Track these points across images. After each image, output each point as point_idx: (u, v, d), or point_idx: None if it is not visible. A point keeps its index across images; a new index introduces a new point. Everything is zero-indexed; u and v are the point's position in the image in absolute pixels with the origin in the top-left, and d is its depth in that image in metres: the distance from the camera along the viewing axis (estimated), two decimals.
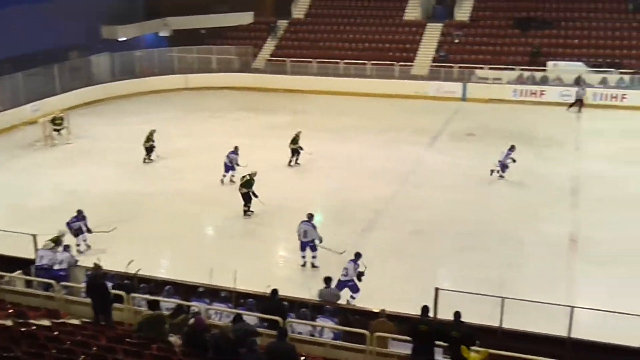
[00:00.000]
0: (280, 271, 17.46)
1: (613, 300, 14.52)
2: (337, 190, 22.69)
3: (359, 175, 24.19)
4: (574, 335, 12.33)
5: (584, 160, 25.72)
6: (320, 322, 12.43)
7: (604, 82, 34.57)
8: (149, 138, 25.92)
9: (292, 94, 37.77)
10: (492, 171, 23.26)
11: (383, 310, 12.20)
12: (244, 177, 20.82)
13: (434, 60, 38.43)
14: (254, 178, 20.59)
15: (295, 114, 33.36)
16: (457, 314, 11.45)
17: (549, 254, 17.90)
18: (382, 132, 29.79)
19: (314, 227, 17.02)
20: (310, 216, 17.25)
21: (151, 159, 25.97)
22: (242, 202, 20.52)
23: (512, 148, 23.26)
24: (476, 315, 12.18)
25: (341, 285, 14.96)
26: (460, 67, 37.02)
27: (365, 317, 12.50)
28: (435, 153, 27.10)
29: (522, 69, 36.17)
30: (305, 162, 24.92)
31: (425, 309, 12.01)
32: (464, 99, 35.86)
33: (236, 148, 23.44)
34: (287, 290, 13.31)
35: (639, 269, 16.97)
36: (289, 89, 38.23)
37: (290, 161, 25.14)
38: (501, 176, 23.27)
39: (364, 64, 38.34)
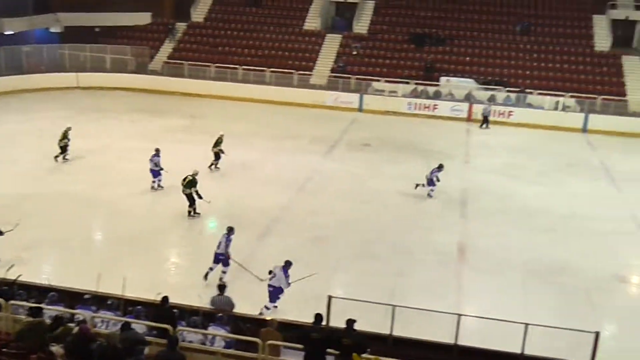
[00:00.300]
0: (172, 278, 17.04)
1: (496, 307, 15.15)
2: (235, 197, 22.47)
3: (257, 182, 24.08)
4: (460, 342, 12.71)
5: (472, 173, 26.75)
6: (212, 330, 12.19)
7: (492, 99, 36.15)
8: (65, 136, 24.80)
9: (189, 97, 37.21)
10: (417, 185, 23.54)
11: (273, 320, 12.13)
12: (185, 177, 20.29)
13: (333, 70, 38.96)
14: (196, 178, 20.24)
15: (193, 118, 32.87)
16: (350, 322, 11.52)
17: (438, 263, 18.42)
18: (280, 139, 29.82)
19: (227, 241, 16.51)
20: (230, 229, 16.64)
21: (66, 159, 24.84)
22: (187, 203, 20.29)
23: (440, 167, 23.62)
24: (368, 322, 12.32)
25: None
26: (357, 78, 37.67)
27: (257, 325, 12.35)
28: (332, 162, 27.39)
29: (416, 83, 37.26)
30: (205, 167, 24.44)
31: (318, 316, 12.05)
32: (360, 109, 36.51)
33: (157, 150, 22.71)
34: (178, 298, 12.98)
35: (521, 278, 17.77)
36: (186, 93, 37.66)
37: (211, 164, 24.68)
38: (429, 195, 23.48)
39: (263, 70, 38.33)
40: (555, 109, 35.22)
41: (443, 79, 37.36)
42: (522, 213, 22.54)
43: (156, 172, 22.44)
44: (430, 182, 23.36)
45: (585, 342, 12.59)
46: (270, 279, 15.11)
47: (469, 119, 35.35)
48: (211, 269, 16.41)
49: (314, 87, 38.08)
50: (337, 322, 12.25)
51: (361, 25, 42.23)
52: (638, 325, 16.14)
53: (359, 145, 29.98)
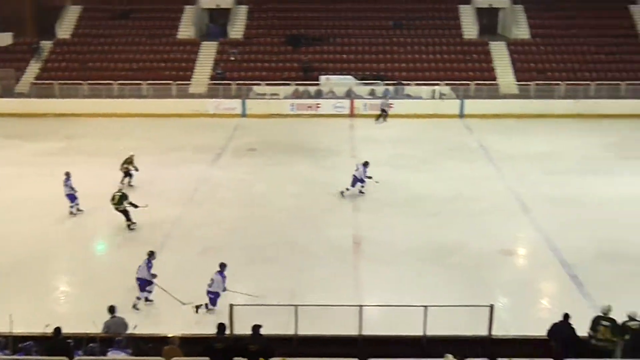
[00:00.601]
0: (62, 307, 16.21)
1: (395, 294, 15.46)
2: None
3: (146, 198, 23.29)
4: (364, 332, 12.84)
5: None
6: (112, 355, 11.69)
7: (372, 94, 36.91)
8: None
9: (63, 118, 35.56)
10: (342, 193, 23.51)
11: (174, 337, 11.80)
12: (114, 196, 20.37)
13: (212, 78, 38.51)
14: (124, 191, 20.73)
15: (69, 139, 31.48)
16: (255, 327, 11.39)
17: (335, 258, 18.55)
18: (164, 152, 29.11)
19: (147, 266, 15.88)
20: (151, 253, 16.06)
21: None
22: (124, 219, 20.29)
23: (366, 164, 23.63)
24: (274, 325, 12.23)
25: (208, 293, 15.41)
26: (238, 84, 37.45)
27: (159, 344, 11.96)
28: (220, 170, 27.04)
29: (297, 84, 37.47)
30: (89, 188, 23.41)
31: (221, 326, 11.84)
32: (244, 115, 36.28)
33: (68, 174, 21.64)
34: (71, 327, 12.34)
35: (415, 263, 18.21)
36: (60, 113, 35.94)
37: (122, 182, 24.12)
38: (361, 192, 23.56)
39: (140, 84, 37.32)
40: (433, 97, 36.45)
41: (323, 78, 37.77)
42: (410, 201, 23.12)
43: (72, 197, 21.52)
44: (361, 180, 23.44)
45: (482, 316, 13.07)
46: (209, 286, 15.28)
47: (351, 114, 35.92)
48: (138, 298, 15.77)
49: (193, 96, 37.49)
50: (243, 329, 12.11)
51: (236, 30, 42.02)
52: (526, 295, 16.97)
53: (245, 150, 29.78)
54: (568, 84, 36.43)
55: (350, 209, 22.55)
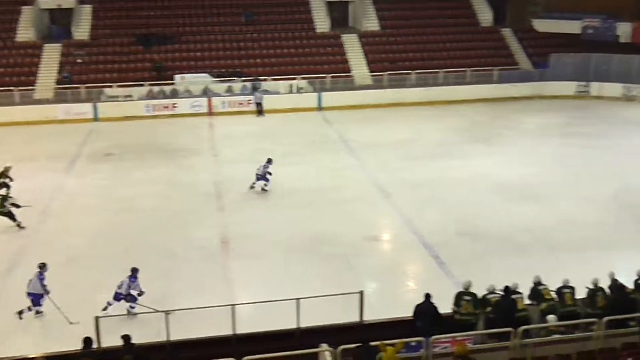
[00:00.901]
0: None
1: (268, 289, 15.39)
2: None
3: None
4: (238, 331, 12.69)
5: (222, 165, 26.85)
6: None
7: (230, 91, 36.56)
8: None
9: None
10: (251, 186, 23.29)
11: (36, 357, 11.11)
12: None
13: (58, 82, 36.47)
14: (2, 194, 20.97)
15: None
16: (126, 338, 10.94)
17: (203, 258, 18.20)
18: (14, 163, 27.16)
19: (39, 279, 15.10)
20: (42, 266, 15.34)
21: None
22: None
23: (269, 161, 23.34)
24: (145, 334, 11.81)
25: (117, 295, 15.07)
26: (87, 87, 35.74)
27: None
28: (76, 178, 25.71)
29: (151, 84, 36.37)
30: None
31: (87, 340, 11.27)
32: (96, 119, 34.72)
33: None
34: None
35: (285, 256, 18.23)
36: None
37: None
38: (264, 189, 23.21)
39: None
40: (291, 92, 36.67)
41: (177, 77, 36.93)
42: (277, 195, 23.13)
43: None
44: (263, 177, 23.16)
45: (353, 303, 13.31)
46: (118, 288, 15.11)
47: (210, 113, 35.39)
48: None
49: (40, 102, 35.35)
50: (113, 341, 11.60)
51: (81, 31, 40.04)
52: (393, 278, 17.51)
53: (101, 155, 28.52)
54: (418, 73, 37.92)
55: (215, 208, 22.22)
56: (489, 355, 11.94)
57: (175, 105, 35.51)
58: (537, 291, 13.69)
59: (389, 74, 37.75)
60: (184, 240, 19.40)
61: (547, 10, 43.23)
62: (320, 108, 35.92)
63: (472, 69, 38.49)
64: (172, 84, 36.59)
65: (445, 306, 13.19)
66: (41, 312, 15.18)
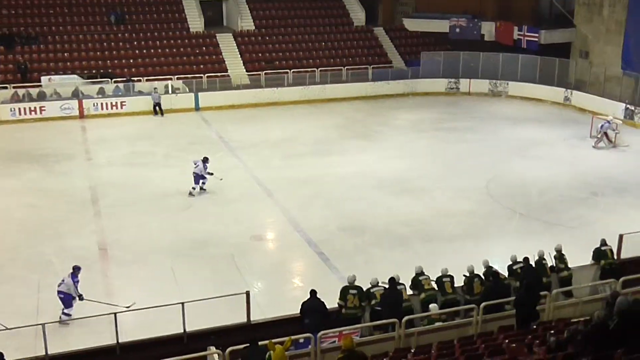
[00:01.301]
0: None
1: (152, 295, 14.95)
2: None
3: None
4: (122, 340, 12.25)
5: (97, 169, 25.82)
6: None
7: (101, 92, 35.22)
8: None
9: None
10: (190, 193, 22.62)
11: None
12: None
13: None
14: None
15: None
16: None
17: (82, 268, 17.39)
18: None
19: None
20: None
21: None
22: None
23: (205, 160, 22.81)
24: (19, 349, 11.14)
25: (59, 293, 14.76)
26: None
27: None
28: None
29: (15, 87, 34.38)
30: None
31: None
32: None
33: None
34: None
35: (169, 260, 17.80)
36: None
37: None
38: (202, 189, 22.70)
39: None
40: (167, 92, 35.80)
41: (45, 79, 35.12)
42: (156, 198, 22.56)
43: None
44: (202, 177, 22.73)
45: (240, 303, 13.20)
46: (59, 286, 14.78)
47: (81, 116, 33.91)
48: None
49: None
50: None
51: None
52: (280, 276, 17.57)
53: None
54: (295, 72, 38.18)
55: (92, 214, 21.34)
56: (375, 347, 12.20)
57: (44, 108, 33.69)
58: (418, 281, 14.14)
59: (266, 73, 37.74)
60: (59, 250, 18.47)
61: (417, 10, 44.83)
62: (197, 109, 35.33)
63: (347, 67, 39.22)
64: (39, 86, 34.76)
65: (331, 301, 13.34)
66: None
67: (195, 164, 22.86)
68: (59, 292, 14.76)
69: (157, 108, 34.49)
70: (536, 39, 38.64)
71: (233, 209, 21.66)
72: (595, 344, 9.20)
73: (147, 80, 36.27)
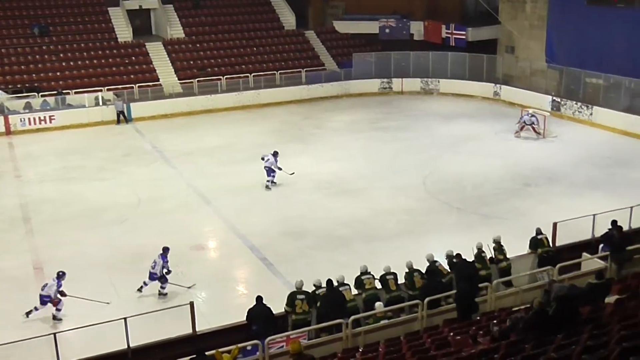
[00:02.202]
0: None
1: (93, 312, 14.58)
2: None
3: None
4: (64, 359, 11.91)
5: (27, 186, 25.02)
6: None
7: (28, 107, 34.14)
8: None
9: None
10: (267, 187, 23.17)
11: None
12: None
13: None
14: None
15: None
16: None
17: (15, 289, 16.83)
18: None
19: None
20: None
21: None
22: None
23: (275, 154, 23.89)
24: None
25: (151, 275, 16.16)
26: None
27: None
28: None
29: None
30: None
31: None
32: None
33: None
34: None
35: (108, 274, 17.40)
36: None
37: None
38: (273, 182, 23.93)
39: None
40: (97, 104, 34.97)
41: None
42: (91, 212, 22.00)
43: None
44: (273, 170, 23.65)
45: (185, 314, 13.00)
46: (152, 269, 16.19)
47: (7, 132, 32.77)
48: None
49: None
50: None
51: None
52: (223, 285, 17.39)
53: None
54: (228, 78, 37.92)
55: (24, 233, 20.66)
56: (323, 349, 12.21)
57: None
58: (360, 281, 14.21)
59: (199, 81, 37.33)
60: None
61: (346, 12, 45.22)
62: (130, 119, 34.66)
63: (280, 71, 39.18)
64: None
65: (278, 306, 13.28)
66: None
67: (265, 159, 23.76)
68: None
69: (121, 116, 33.99)
70: (464, 37, 39.55)
71: (171, 220, 21.31)
72: (536, 330, 9.44)
73: (75, 92, 35.33)
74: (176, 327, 13.17)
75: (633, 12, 30.98)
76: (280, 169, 23.84)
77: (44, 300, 15.27)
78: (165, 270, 16.22)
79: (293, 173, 24.21)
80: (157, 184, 24.86)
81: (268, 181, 23.74)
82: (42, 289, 15.35)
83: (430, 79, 39.24)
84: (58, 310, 15.41)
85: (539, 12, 36.94)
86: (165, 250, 16.45)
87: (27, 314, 15.36)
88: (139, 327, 12.57)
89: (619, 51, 31.91)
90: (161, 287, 16.31)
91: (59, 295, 15.33)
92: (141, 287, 16.37)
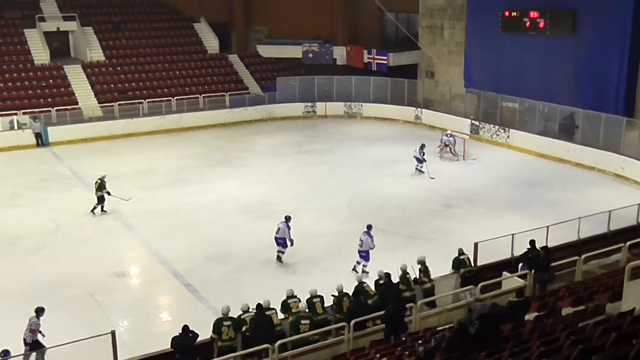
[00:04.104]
0: None
1: (8, 346, 13.90)
2: None
3: None
4: None
5: None
6: None
7: None
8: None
9: None
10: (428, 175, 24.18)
11: None
12: (96, 182, 23.37)
13: None
14: (104, 179, 23.33)
15: None
16: None
17: None
18: None
19: (287, 227, 19.33)
20: (287, 218, 19.61)
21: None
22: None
23: (422, 146, 27.56)
24: None
25: (360, 253, 18.46)
26: None
27: None
28: None
29: None
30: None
31: None
32: None
33: None
34: None
35: (22, 306, 16.58)
36: None
37: (94, 208, 23.39)
38: (420, 170, 27.22)
39: None
40: (12, 128, 33.76)
41: None
42: (5, 241, 21.11)
43: None
44: (420, 161, 27.50)
45: (106, 344, 12.58)
46: (360, 246, 18.42)
47: None
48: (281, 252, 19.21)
49: None
50: None
51: None
52: (146, 312, 16.96)
53: None
54: (150, 102, 37.34)
55: None
56: None
57: None
58: (287, 305, 14.14)
59: (120, 104, 36.61)
60: None
61: (269, 37, 45.48)
62: (47, 144, 33.57)
63: (204, 95, 38.90)
64: None
65: (203, 333, 13.03)
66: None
67: (415, 150, 27.85)
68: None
69: (39, 140, 32.99)
70: (385, 62, 40.42)
71: (91, 247, 20.69)
72: (459, 349, 9.60)
73: None
74: (98, 357, 12.72)
75: (544, 40, 32.37)
76: (424, 160, 27.72)
77: (278, 242, 18.33)
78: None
79: (130, 199, 23.95)
80: (76, 209, 24.08)
81: (421, 168, 26.89)
82: (277, 233, 18.43)
83: (353, 103, 39.77)
84: (281, 252, 18.44)
85: (457, 38, 38.15)
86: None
87: None
88: (58, 358, 12.07)
89: (533, 76, 33.26)
90: (363, 266, 18.42)
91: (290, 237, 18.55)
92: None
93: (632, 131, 28.08)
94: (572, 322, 10.59)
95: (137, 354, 13.30)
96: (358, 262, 18.47)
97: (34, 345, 13.77)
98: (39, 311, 14.13)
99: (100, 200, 23.41)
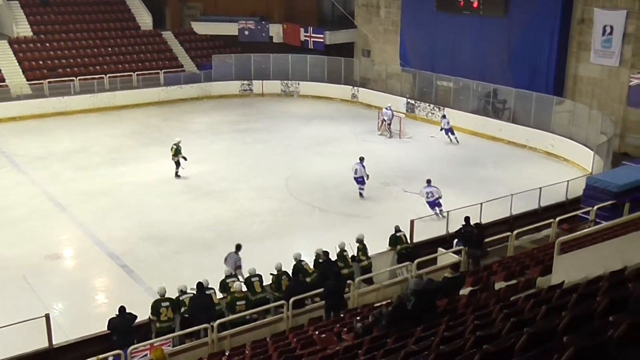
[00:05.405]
0: None
1: None
2: None
3: None
4: None
5: None
6: None
7: None
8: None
9: None
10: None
11: None
12: (172, 147, 24.67)
13: None
14: (180, 145, 24.69)
15: None
16: None
17: None
18: None
19: (362, 167, 22.53)
20: (361, 159, 22.91)
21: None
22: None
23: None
24: None
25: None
26: None
27: None
28: None
29: None
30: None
31: None
32: None
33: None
34: None
35: None
36: None
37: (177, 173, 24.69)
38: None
39: None
40: None
41: None
42: None
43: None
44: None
45: (40, 328, 12.34)
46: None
47: None
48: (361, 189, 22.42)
49: None
50: None
51: None
52: (82, 295, 16.64)
53: None
54: (82, 79, 36.30)
55: None
56: (189, 355, 12.05)
57: None
58: (226, 284, 14.15)
59: (50, 82, 35.46)
60: None
61: (204, 13, 44.74)
62: None
63: (137, 72, 38.06)
64: None
65: (141, 313, 12.92)
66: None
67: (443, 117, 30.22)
68: None
69: None
70: (322, 40, 40.39)
71: (22, 228, 20.12)
72: (396, 324, 9.80)
73: None
74: (31, 341, 12.45)
75: (478, 20, 32.94)
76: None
77: (357, 181, 20.90)
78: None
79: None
80: (6, 191, 23.37)
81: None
82: (355, 173, 20.92)
83: (290, 82, 39.63)
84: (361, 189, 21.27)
85: (392, 17, 38.40)
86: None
87: None
88: None
89: (467, 56, 33.82)
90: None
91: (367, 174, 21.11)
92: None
93: (562, 110, 28.96)
94: (504, 296, 10.93)
95: (73, 337, 13.09)
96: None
97: None
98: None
99: (177, 165, 24.58)
